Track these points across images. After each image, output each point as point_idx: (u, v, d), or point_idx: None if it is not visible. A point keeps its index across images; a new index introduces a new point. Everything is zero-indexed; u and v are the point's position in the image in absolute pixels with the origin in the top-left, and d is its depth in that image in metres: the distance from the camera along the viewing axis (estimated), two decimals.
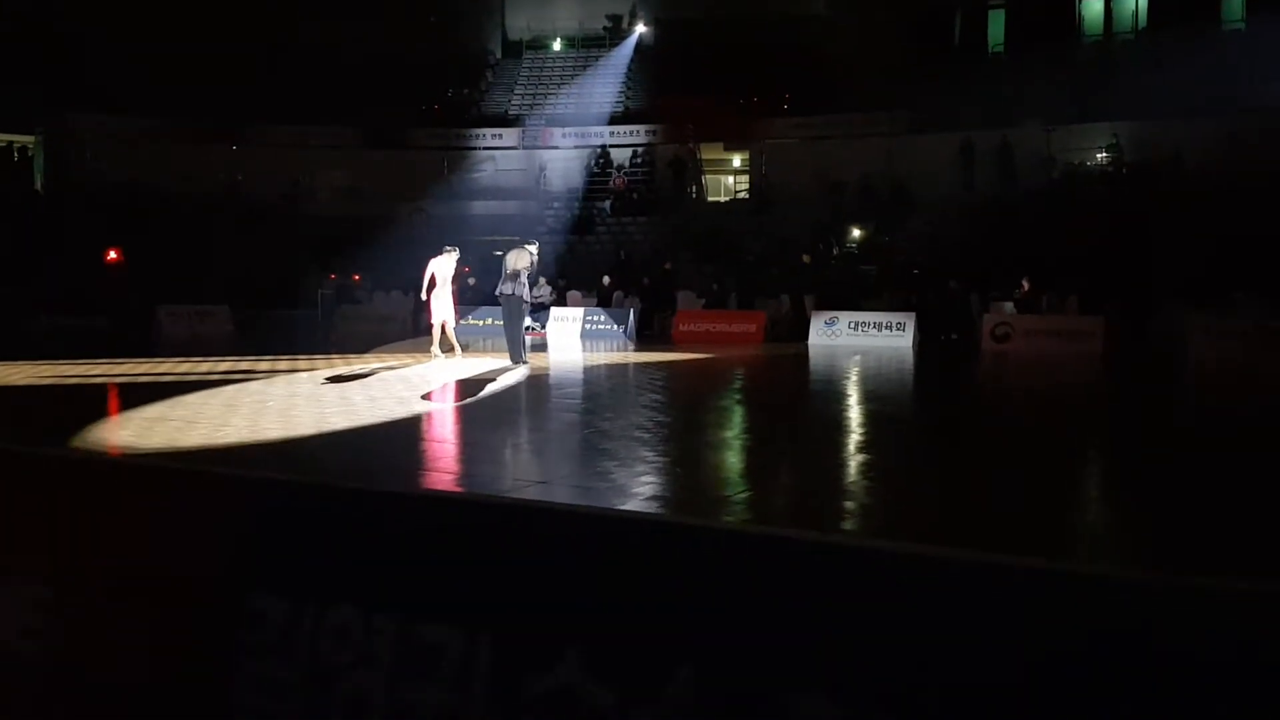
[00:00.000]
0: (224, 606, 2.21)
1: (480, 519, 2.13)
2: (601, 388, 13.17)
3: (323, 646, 2.07)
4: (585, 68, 36.39)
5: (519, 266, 14.26)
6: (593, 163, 33.04)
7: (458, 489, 5.82)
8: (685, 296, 24.71)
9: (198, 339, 20.95)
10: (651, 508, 5.33)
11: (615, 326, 23.06)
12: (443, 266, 15.40)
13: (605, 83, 35.21)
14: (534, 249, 14.73)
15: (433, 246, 16.15)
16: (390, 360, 15.61)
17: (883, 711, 1.65)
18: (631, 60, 35.72)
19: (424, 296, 15.76)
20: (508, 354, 14.59)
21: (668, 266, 25.49)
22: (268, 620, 2.14)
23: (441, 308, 15.47)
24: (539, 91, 35.85)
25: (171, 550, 2.33)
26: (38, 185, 30.42)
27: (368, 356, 16.36)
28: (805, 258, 23.91)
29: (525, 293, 14.36)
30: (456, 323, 16.19)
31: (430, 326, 15.92)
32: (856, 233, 27.14)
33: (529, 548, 2.01)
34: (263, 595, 2.16)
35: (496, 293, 14.54)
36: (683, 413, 10.35)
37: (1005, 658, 1.59)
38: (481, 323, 22.59)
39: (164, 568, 2.32)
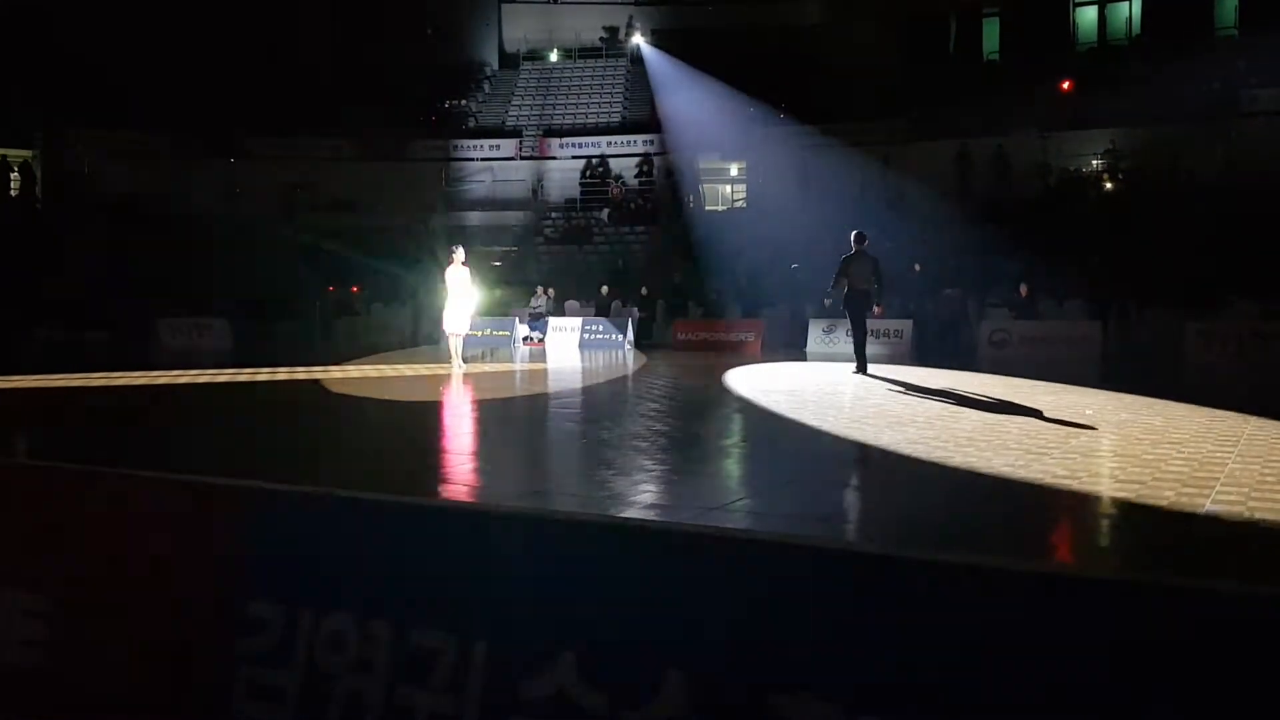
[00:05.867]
0: (221, 616, 2.23)
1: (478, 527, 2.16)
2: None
3: (319, 654, 2.10)
4: (582, 78, 36.54)
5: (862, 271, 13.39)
6: (588, 173, 33.08)
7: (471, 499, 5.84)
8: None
9: (200, 351, 20.98)
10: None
11: (614, 336, 23.09)
12: (455, 275, 15.21)
13: (607, 92, 35.47)
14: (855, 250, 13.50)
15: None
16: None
17: (873, 712, 1.67)
18: (628, 69, 35.85)
19: (450, 308, 15.22)
20: (853, 363, 13.91)
21: (677, 278, 25.69)
22: (265, 629, 2.16)
23: (455, 318, 15.23)
24: (536, 102, 35.94)
25: (170, 560, 2.35)
26: (35, 199, 30.44)
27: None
28: (795, 266, 24.01)
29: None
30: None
31: (448, 338, 15.64)
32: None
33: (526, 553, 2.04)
34: (261, 603, 2.19)
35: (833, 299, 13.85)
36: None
37: (1007, 660, 1.62)
38: (479, 334, 22.58)
39: (163, 577, 2.34)
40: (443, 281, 15.33)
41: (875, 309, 14.06)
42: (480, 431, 9.75)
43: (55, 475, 2.78)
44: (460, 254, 15.33)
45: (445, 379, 14.24)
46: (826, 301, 14.30)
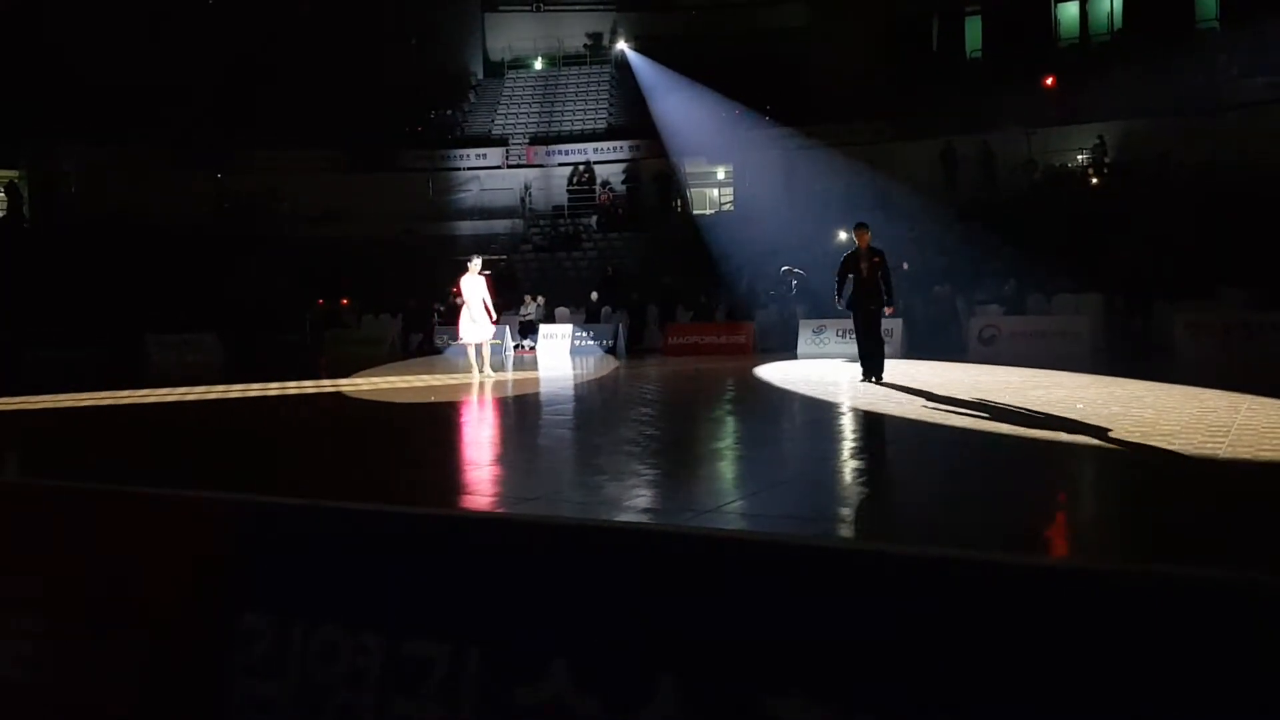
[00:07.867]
0: (213, 628, 2.22)
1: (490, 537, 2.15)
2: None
3: (311, 664, 2.09)
4: (567, 85, 36.58)
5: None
6: (575, 180, 33.10)
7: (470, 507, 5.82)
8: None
9: (190, 368, 20.90)
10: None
11: (605, 342, 23.10)
12: (472, 284, 15.29)
13: (593, 99, 35.59)
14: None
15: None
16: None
17: (868, 713, 1.67)
18: (614, 76, 35.90)
19: (468, 317, 15.34)
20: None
21: (667, 281, 25.73)
22: (257, 640, 2.15)
23: (475, 327, 15.30)
24: (522, 110, 35.97)
25: (160, 574, 2.34)
26: (24, 219, 30.31)
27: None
28: (783, 269, 24.11)
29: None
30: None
31: (466, 347, 15.79)
32: (843, 235, 27.22)
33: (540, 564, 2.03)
34: (251, 615, 2.18)
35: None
36: None
37: (1001, 656, 1.61)
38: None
39: (152, 592, 2.33)
40: (458, 292, 15.49)
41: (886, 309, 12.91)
42: (484, 439, 9.73)
43: (51, 495, 2.77)
44: (476, 264, 15.53)
45: (458, 388, 14.22)
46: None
